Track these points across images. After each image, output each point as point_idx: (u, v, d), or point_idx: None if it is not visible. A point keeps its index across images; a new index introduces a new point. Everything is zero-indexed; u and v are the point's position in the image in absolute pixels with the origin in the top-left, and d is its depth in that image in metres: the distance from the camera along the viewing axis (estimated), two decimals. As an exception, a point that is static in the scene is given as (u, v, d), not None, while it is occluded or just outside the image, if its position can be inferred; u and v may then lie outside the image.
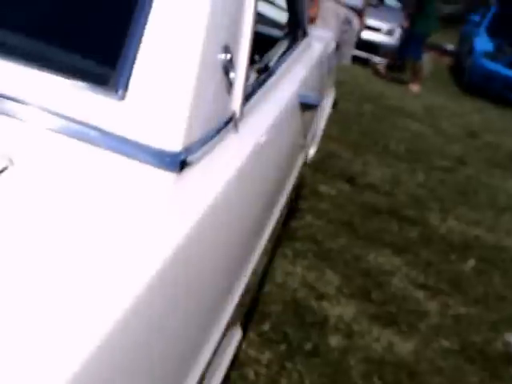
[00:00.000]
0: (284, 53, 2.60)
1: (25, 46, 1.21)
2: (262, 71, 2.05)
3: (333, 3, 7.14)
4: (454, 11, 18.57)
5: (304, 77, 2.54)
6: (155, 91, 1.19)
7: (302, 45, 3.02)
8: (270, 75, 2.08)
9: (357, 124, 7.32)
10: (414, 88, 10.37)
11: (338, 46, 7.24)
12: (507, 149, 8.15)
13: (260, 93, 1.83)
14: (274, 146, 1.84)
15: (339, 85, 8.86)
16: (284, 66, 2.37)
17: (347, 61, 7.63)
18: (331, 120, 6.93)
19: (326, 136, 6.32)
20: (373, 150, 6.52)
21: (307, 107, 2.25)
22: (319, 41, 3.71)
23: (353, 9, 7.25)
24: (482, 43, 11.99)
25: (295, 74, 2.42)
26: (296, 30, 2.98)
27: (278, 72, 2.21)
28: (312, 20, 7.13)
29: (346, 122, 7.13)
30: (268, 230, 1.88)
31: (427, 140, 7.53)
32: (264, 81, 1.96)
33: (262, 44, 2.71)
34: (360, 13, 7.46)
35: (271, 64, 2.24)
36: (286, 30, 3.00)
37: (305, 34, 3.18)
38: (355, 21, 7.35)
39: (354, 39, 7.56)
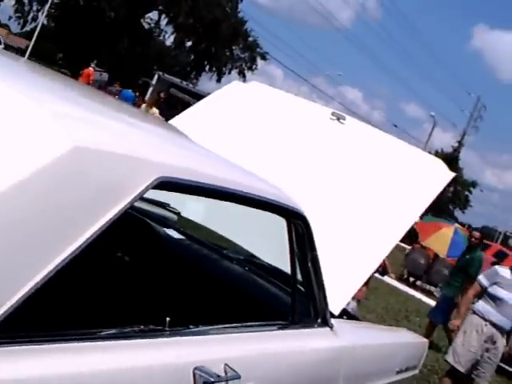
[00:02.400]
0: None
1: None
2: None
3: (478, 318, 6.70)
4: None
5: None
6: None
7: (302, 335, 2.74)
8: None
9: None
10: None
11: (477, 363, 6.67)
12: None
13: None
14: None
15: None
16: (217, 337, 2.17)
17: (485, 381, 6.95)
18: None
19: None
20: None
21: None
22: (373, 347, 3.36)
23: (500, 328, 6.71)
24: None
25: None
26: (297, 310, 2.72)
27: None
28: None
29: None
30: None
31: None
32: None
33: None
34: (509, 334, 6.90)
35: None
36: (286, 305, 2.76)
37: (323, 323, 2.91)
38: (500, 341, 6.78)
39: (496, 360, 6.91)
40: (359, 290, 7.85)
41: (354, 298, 7.43)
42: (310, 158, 4.13)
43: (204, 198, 2.14)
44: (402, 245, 27.04)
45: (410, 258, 20.02)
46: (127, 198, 1.70)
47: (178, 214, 3.45)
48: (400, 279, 19.18)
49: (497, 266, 7.06)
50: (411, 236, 25.66)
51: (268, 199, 2.45)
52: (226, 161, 2.46)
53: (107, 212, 1.64)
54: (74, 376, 1.60)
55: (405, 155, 4.32)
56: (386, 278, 17.55)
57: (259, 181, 2.53)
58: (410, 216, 4.03)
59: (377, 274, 9.32)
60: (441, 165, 4.31)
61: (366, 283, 8.31)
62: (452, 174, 4.28)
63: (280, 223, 2.67)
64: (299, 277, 2.79)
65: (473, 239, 10.54)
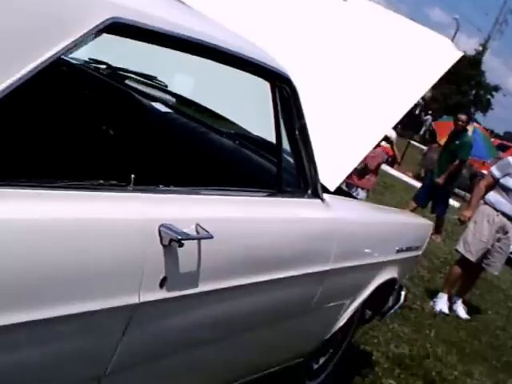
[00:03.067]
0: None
1: None
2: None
3: (490, 209, 6.55)
4: None
5: None
6: None
7: (289, 204, 2.62)
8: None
9: (488, 334, 6.50)
10: None
11: (487, 252, 6.57)
12: None
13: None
14: None
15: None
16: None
17: (496, 270, 6.89)
18: (458, 327, 6.26)
19: (448, 343, 5.70)
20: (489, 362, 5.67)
21: None
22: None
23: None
24: None
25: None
26: (284, 179, 2.59)
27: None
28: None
29: (477, 331, 6.38)
30: None
31: None
32: None
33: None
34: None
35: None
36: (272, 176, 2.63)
37: (314, 195, 2.78)
38: (512, 232, 6.66)
39: (507, 250, 6.81)
40: (368, 180, 7.85)
41: (363, 189, 7.33)
42: (309, 32, 3.91)
43: (167, 48, 1.97)
44: (421, 146, 26.80)
45: (427, 157, 19.70)
46: (70, 36, 1.54)
47: (166, 86, 3.29)
48: (417, 178, 19.01)
49: (510, 157, 6.85)
50: (431, 137, 25.36)
51: (247, 57, 2.27)
52: (201, 15, 2.28)
53: (46, 49, 1.49)
54: (33, 222, 1.53)
55: (410, 33, 4.08)
56: (403, 176, 17.44)
57: (237, 37, 2.34)
58: (414, 94, 3.85)
59: (387, 167, 9.19)
60: (448, 43, 4.08)
61: (376, 173, 8.25)
62: (460, 53, 4.04)
63: (264, 87, 2.50)
64: (286, 146, 2.65)
65: (459, 122, 10.08)
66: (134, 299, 1.79)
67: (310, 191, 2.76)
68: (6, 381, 1.54)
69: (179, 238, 1.85)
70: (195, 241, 1.97)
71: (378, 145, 6.86)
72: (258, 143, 3.00)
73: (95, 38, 1.64)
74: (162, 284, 1.87)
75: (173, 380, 2.27)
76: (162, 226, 1.85)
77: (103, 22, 1.62)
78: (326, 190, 2.98)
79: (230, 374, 2.68)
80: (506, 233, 6.60)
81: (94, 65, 3.27)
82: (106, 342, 1.81)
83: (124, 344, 1.84)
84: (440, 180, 10.07)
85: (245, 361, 2.72)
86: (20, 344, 1.53)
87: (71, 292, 1.63)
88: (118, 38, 1.76)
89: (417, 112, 33.22)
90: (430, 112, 34.18)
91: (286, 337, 2.91)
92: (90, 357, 1.79)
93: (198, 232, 1.97)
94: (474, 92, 42.34)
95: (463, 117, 10.25)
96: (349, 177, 4.80)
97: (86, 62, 3.21)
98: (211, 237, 1.98)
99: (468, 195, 20.37)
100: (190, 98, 3.37)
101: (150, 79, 3.23)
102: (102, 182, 1.77)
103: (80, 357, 1.74)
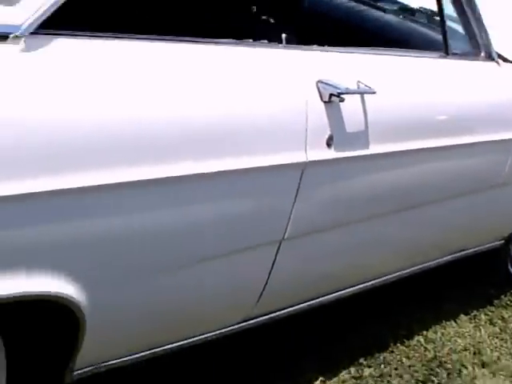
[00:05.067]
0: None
1: None
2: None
3: None
4: None
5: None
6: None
7: (462, 66, 2.56)
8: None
9: None
10: None
11: None
12: None
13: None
14: None
15: None
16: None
17: None
18: None
19: None
20: None
21: None
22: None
23: None
24: None
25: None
26: (448, 43, 2.49)
27: None
28: None
29: None
30: None
31: None
32: None
33: None
34: None
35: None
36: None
37: (487, 58, 2.68)
38: None
39: None
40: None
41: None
42: None
43: None
44: None
45: None
46: None
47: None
48: None
49: None
50: None
51: None
52: None
53: None
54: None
55: None
56: None
57: None
58: None
59: None
60: None
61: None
62: None
63: None
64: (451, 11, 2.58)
65: None
66: (301, 157, 1.84)
67: (482, 54, 2.68)
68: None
69: (339, 91, 1.87)
70: (358, 96, 1.98)
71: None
72: (422, 13, 2.93)
73: None
74: (328, 143, 1.90)
75: (352, 252, 2.29)
76: (319, 81, 1.88)
77: None
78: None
79: (416, 253, 2.67)
80: None
81: None
82: (281, 203, 1.88)
83: (298, 208, 1.89)
84: None
85: (432, 240, 2.67)
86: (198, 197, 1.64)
87: (248, 147, 1.72)
88: None
89: None
90: None
91: (477, 214, 2.83)
92: (269, 218, 1.87)
93: (358, 87, 1.98)
94: None
95: None
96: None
97: None
98: (374, 92, 1.98)
99: None
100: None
101: None
102: (251, 40, 1.83)
103: (259, 217, 1.82)
